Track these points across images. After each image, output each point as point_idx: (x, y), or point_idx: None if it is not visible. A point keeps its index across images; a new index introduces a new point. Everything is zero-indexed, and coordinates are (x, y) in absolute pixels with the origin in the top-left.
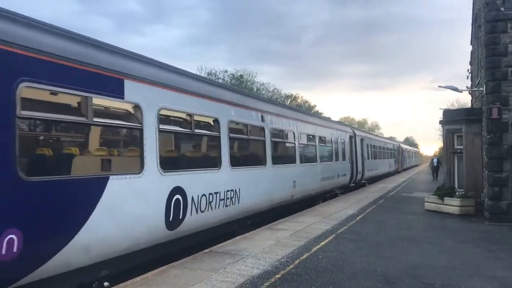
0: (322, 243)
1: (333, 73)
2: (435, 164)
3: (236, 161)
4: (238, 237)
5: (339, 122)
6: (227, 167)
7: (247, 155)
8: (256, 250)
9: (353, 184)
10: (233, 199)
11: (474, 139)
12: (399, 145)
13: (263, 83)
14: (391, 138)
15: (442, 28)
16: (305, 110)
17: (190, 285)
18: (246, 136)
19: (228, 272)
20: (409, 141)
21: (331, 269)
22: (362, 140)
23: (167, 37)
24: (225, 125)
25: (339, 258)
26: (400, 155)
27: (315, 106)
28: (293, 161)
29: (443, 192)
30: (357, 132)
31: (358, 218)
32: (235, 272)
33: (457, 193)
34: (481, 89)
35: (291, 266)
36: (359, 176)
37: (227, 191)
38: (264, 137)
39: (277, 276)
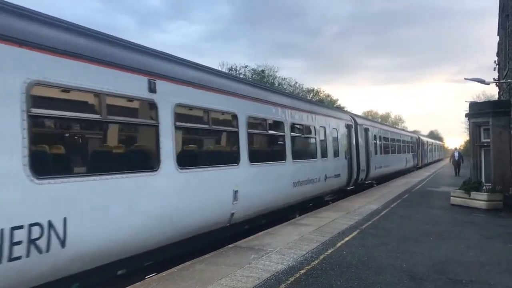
0: (347, 239)
1: (356, 66)
2: (456, 158)
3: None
4: (261, 233)
5: (331, 107)
6: None
7: None
8: (280, 245)
9: (353, 187)
10: None
11: (502, 132)
12: (419, 137)
13: (284, 78)
14: (415, 132)
15: (467, 18)
16: (272, 87)
17: (215, 280)
18: None
19: (252, 267)
20: (433, 135)
21: (356, 264)
22: (366, 130)
23: (188, 33)
24: None
25: (364, 253)
26: (419, 149)
27: (337, 100)
28: (235, 160)
29: (470, 186)
30: (359, 121)
31: (382, 213)
32: (259, 268)
33: (484, 187)
34: (509, 80)
35: (316, 262)
36: (362, 176)
37: None
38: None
39: (302, 271)
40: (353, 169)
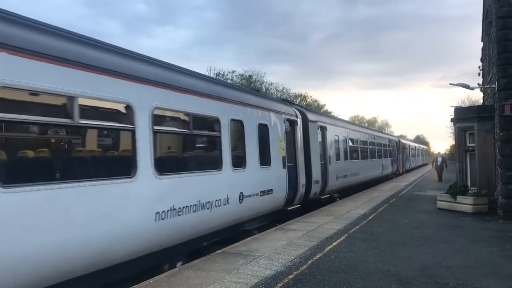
0: (335, 243)
1: (342, 71)
2: (439, 163)
3: None
4: (249, 238)
5: (259, 94)
6: None
7: None
8: (269, 251)
9: (299, 205)
10: None
11: (487, 137)
12: (399, 140)
13: (271, 83)
14: (401, 136)
15: (450, 25)
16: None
17: (203, 287)
18: None
19: (241, 273)
20: (419, 139)
21: (344, 269)
22: (323, 129)
23: (176, 38)
24: None
25: (352, 258)
26: (400, 153)
27: (325, 105)
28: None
29: (456, 190)
30: (311, 116)
31: (370, 218)
32: (248, 273)
33: (470, 191)
34: (493, 86)
35: (304, 267)
36: (315, 189)
37: None
38: None
39: (290, 276)
40: (299, 182)
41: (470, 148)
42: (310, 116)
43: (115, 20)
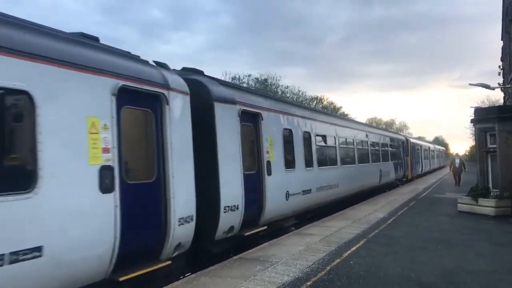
0: (353, 248)
1: (358, 74)
2: (457, 165)
3: None
4: (266, 243)
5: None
6: None
7: None
8: (286, 256)
9: (169, 262)
10: None
11: (509, 138)
12: (406, 139)
13: (287, 86)
14: (420, 138)
15: (466, 24)
16: None
17: None
18: None
19: (258, 279)
20: (438, 141)
21: (364, 275)
22: (255, 118)
23: (190, 43)
24: None
25: (371, 263)
26: (409, 155)
27: (341, 107)
28: None
29: (477, 192)
30: (218, 91)
31: (389, 222)
32: (265, 279)
33: (491, 194)
34: None
35: (323, 273)
36: (230, 221)
37: None
38: None
39: (309, 283)
40: (171, 212)
41: (491, 149)
42: (217, 91)
43: (132, 27)
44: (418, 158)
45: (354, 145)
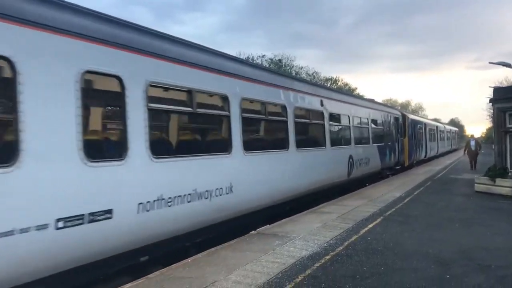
0: (370, 226)
1: (373, 55)
2: (473, 147)
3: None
4: (284, 220)
5: None
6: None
7: None
8: (304, 232)
9: None
10: None
11: None
12: (403, 115)
13: (301, 67)
14: (436, 120)
15: (485, 4)
16: None
17: (240, 266)
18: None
19: (277, 253)
20: (454, 123)
21: (382, 250)
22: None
23: (204, 25)
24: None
25: (389, 240)
26: (406, 136)
27: (356, 88)
28: None
29: (495, 173)
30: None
31: (406, 201)
32: (284, 253)
33: (509, 174)
34: None
35: (341, 248)
36: None
37: None
38: None
39: (327, 257)
40: None
41: (511, 129)
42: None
43: (146, 8)
44: (421, 139)
45: (287, 117)
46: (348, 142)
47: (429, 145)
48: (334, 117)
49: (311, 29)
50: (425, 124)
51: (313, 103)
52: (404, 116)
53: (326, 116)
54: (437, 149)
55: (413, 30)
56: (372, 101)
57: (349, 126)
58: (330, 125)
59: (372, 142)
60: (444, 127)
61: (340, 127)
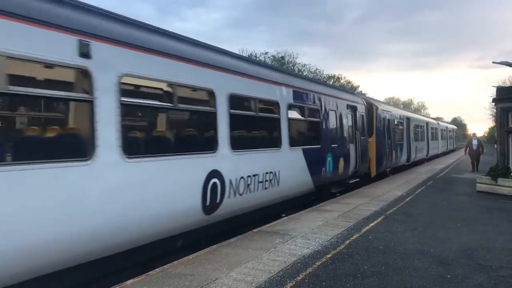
0: (372, 224)
1: (377, 52)
2: (474, 147)
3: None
4: (285, 218)
5: None
6: None
7: None
8: (305, 230)
9: None
10: None
11: None
12: (370, 104)
13: (304, 64)
14: (437, 119)
15: (489, 3)
16: None
17: (242, 263)
18: None
19: (278, 251)
20: (456, 121)
21: (383, 249)
22: None
23: (207, 21)
24: None
25: (390, 239)
26: (374, 133)
27: (359, 86)
28: None
29: (497, 172)
30: None
31: (407, 200)
32: (285, 252)
33: None
34: None
35: (342, 246)
36: None
37: None
38: None
39: (328, 256)
40: None
41: None
42: None
43: (148, 3)
44: (400, 139)
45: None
46: (254, 145)
47: (415, 146)
48: (244, 106)
49: (314, 26)
50: (407, 119)
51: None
52: (371, 106)
53: (369, 118)
54: (427, 151)
55: (416, 28)
56: (296, 75)
57: (214, 113)
58: (222, 118)
59: (289, 144)
60: (438, 123)
61: (251, 117)
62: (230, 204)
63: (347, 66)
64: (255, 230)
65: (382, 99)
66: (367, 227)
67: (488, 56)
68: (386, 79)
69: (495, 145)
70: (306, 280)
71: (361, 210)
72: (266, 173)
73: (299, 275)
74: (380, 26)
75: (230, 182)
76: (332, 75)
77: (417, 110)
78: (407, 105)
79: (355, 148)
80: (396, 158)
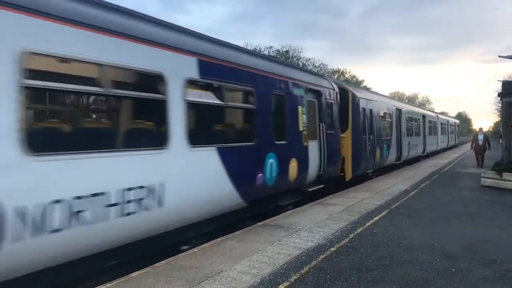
0: (376, 218)
1: (381, 46)
2: (480, 142)
3: None
4: (289, 211)
5: None
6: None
7: None
8: (309, 224)
9: None
10: None
11: None
12: (345, 90)
13: (309, 59)
14: (443, 114)
15: None
16: None
17: (247, 256)
18: None
19: (283, 244)
20: (461, 116)
21: (387, 243)
22: None
23: (211, 15)
24: None
25: (394, 233)
26: (350, 127)
27: (363, 80)
28: None
29: (502, 167)
30: None
31: (411, 194)
32: (290, 245)
33: None
34: None
35: (346, 240)
36: None
37: None
38: None
39: (332, 249)
40: None
41: None
42: None
43: None
44: (388, 134)
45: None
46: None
47: (407, 142)
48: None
49: (320, 19)
50: (398, 111)
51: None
52: (346, 93)
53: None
54: (423, 148)
55: (422, 22)
56: (207, 38)
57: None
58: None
59: (188, 142)
60: (437, 116)
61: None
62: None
63: (352, 60)
64: (259, 223)
65: (387, 94)
66: (372, 221)
67: (495, 50)
68: (391, 74)
69: (500, 139)
70: (310, 273)
71: (365, 204)
72: (128, 189)
73: (303, 268)
74: (385, 20)
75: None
76: (337, 69)
77: (421, 105)
78: (411, 100)
79: (319, 145)
80: (381, 157)
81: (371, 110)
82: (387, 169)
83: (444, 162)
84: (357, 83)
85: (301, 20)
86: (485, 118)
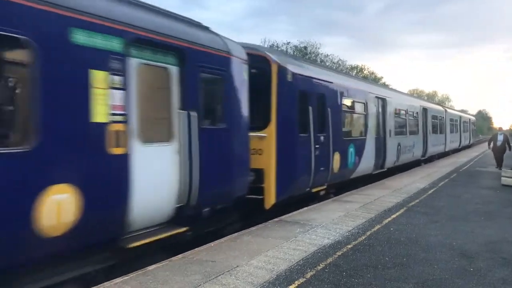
0: (393, 216)
1: (400, 43)
2: (499, 143)
3: None
4: (305, 208)
5: None
6: None
7: None
8: (326, 221)
9: None
10: None
11: None
12: (263, 58)
13: (327, 55)
14: (463, 111)
15: None
16: None
17: (262, 252)
18: None
19: (299, 240)
20: (481, 114)
21: (405, 241)
22: None
23: (228, 10)
24: None
25: (412, 231)
26: (279, 120)
27: (382, 77)
28: None
29: None
30: None
31: (430, 192)
32: (306, 241)
33: None
34: None
35: (363, 237)
36: None
37: None
38: None
39: (349, 246)
40: None
41: None
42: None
43: None
44: (362, 132)
45: None
46: None
47: (396, 143)
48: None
49: (338, 15)
50: (381, 100)
51: None
52: (266, 65)
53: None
54: (424, 150)
55: (441, 18)
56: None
57: None
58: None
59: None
60: (445, 111)
61: None
62: None
63: (370, 57)
64: (275, 219)
65: (406, 91)
66: (389, 219)
67: None
68: (411, 70)
69: None
70: (326, 270)
71: (382, 202)
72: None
73: (319, 265)
74: (404, 17)
75: None
76: (355, 65)
77: (441, 102)
78: (431, 97)
79: (176, 151)
80: (343, 166)
81: (324, 96)
82: (367, 181)
83: (463, 161)
84: (376, 80)
85: (318, 16)
86: (507, 117)
